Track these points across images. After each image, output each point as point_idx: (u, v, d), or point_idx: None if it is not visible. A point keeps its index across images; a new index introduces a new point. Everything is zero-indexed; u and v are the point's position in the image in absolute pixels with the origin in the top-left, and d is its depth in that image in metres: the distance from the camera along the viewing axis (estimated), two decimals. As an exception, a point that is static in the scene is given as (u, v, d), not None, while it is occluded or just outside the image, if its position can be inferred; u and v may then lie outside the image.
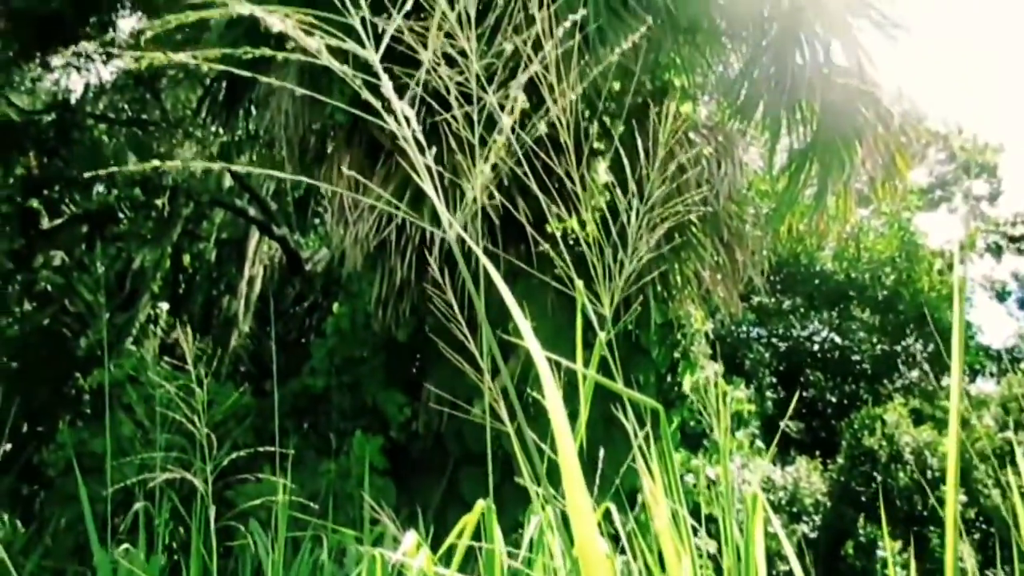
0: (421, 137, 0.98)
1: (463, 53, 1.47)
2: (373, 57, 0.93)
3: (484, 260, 0.97)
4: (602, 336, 1.89)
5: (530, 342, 1.00)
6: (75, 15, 7.60)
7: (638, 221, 2.01)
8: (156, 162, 0.95)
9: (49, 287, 9.67)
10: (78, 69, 10.16)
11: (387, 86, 0.87)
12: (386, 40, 1.00)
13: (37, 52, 8.48)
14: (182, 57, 1.26)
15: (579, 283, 1.83)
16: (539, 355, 1.06)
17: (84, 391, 8.33)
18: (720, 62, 6.63)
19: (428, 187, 1.11)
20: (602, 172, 6.27)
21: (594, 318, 1.76)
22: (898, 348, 14.15)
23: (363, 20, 1.01)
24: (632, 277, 1.91)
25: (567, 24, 1.41)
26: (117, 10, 8.71)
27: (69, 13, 7.47)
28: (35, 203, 9.21)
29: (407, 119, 0.99)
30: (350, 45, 0.93)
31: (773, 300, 13.73)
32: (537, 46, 1.71)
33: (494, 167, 1.64)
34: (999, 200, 15.06)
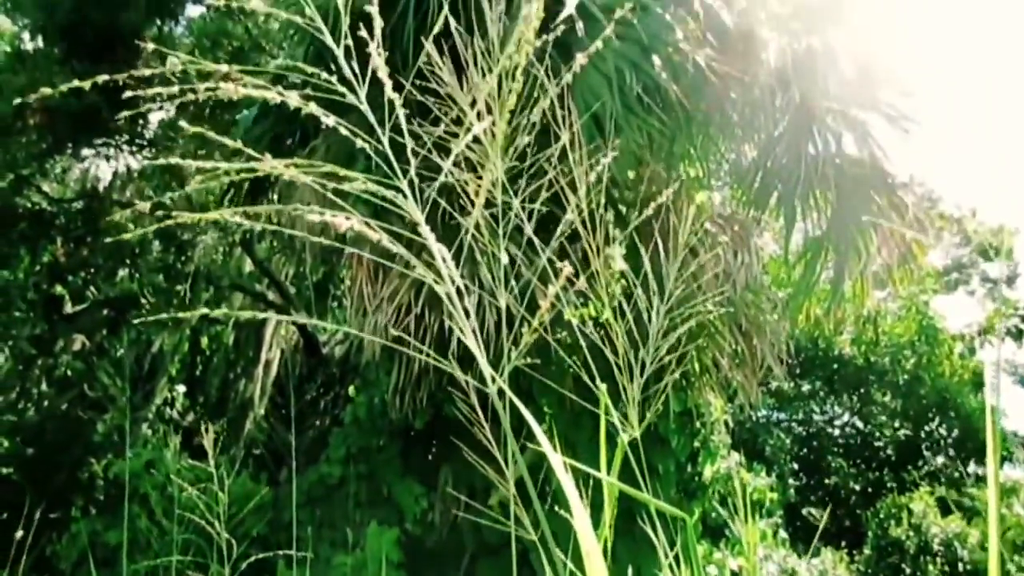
0: (455, 275, 1.01)
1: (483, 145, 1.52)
2: (414, 209, 0.97)
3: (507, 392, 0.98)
4: (624, 438, 1.88)
5: (547, 449, 1.01)
6: (109, 109, 7.89)
7: (659, 320, 2.02)
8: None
9: (69, 372, 9.74)
10: (108, 158, 10.48)
11: (428, 235, 0.90)
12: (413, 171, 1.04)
13: (70, 143, 8.77)
14: (206, 165, 1.31)
15: (603, 390, 1.84)
16: (557, 463, 1.06)
17: (99, 477, 8.29)
18: (733, 150, 6.77)
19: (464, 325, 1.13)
20: (618, 259, 6.31)
21: (615, 415, 1.76)
22: (922, 434, 13.87)
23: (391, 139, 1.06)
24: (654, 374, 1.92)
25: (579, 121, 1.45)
26: (148, 104, 9.03)
27: (103, 108, 7.76)
28: (59, 289, 9.37)
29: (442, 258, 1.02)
30: (390, 193, 0.97)
31: (792, 384, 13.57)
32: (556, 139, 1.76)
33: (513, 260, 1.67)
34: (1017, 283, 15.04)
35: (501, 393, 1.10)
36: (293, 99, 1.01)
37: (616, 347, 1.80)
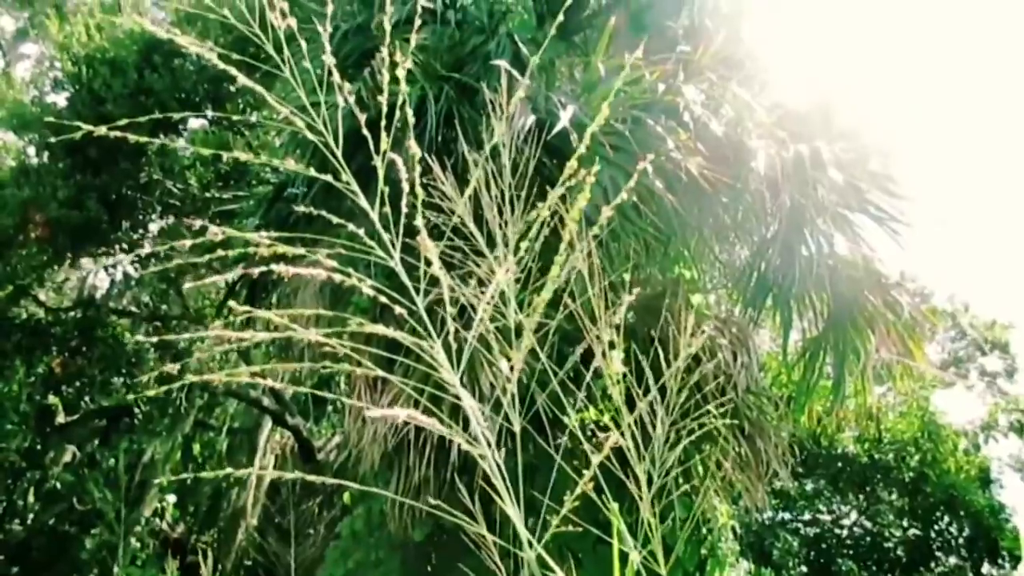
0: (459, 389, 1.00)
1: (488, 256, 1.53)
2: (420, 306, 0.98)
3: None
4: (635, 556, 1.83)
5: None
6: (109, 221, 8.02)
7: (664, 433, 2.00)
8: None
9: (58, 484, 9.53)
10: (106, 268, 10.56)
11: (452, 381, 0.91)
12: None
13: (69, 254, 8.86)
14: (214, 279, 1.31)
15: (614, 508, 1.80)
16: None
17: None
18: (727, 252, 6.86)
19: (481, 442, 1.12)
20: (616, 363, 6.30)
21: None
22: (931, 533, 13.53)
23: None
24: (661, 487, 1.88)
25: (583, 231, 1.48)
26: (149, 213, 9.19)
27: (103, 219, 7.87)
28: (53, 399, 9.27)
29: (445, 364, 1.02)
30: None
31: (796, 484, 13.32)
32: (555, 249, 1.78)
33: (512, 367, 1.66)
34: (1016, 376, 15.02)
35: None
36: (330, 266, 1.03)
37: (620, 454, 1.77)
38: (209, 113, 9.07)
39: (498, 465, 0.99)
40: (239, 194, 8.53)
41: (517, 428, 1.49)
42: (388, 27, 1.62)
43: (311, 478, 1.61)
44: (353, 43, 6.03)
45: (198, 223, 1.32)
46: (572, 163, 1.53)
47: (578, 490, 1.15)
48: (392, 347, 1.70)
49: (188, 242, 1.52)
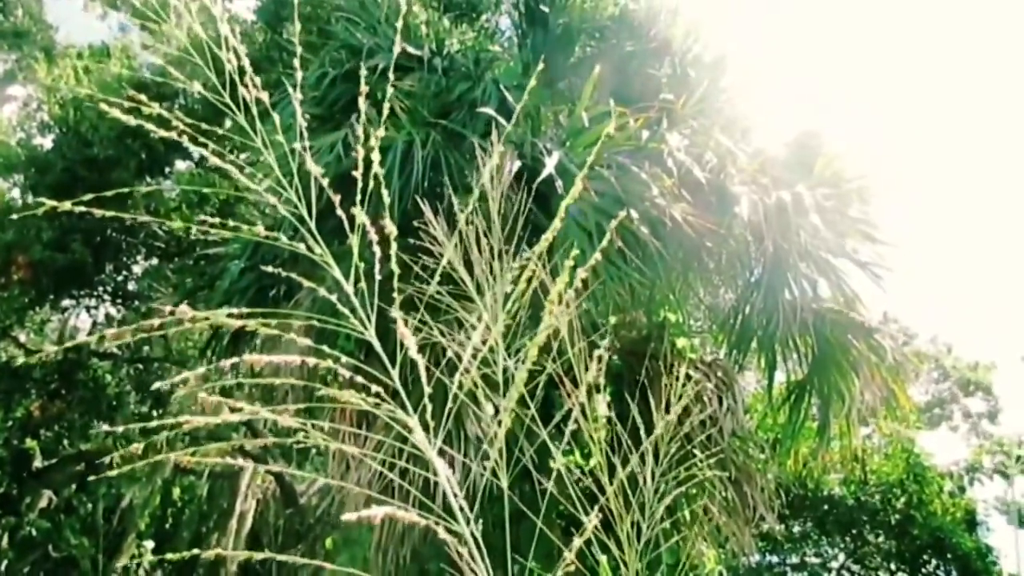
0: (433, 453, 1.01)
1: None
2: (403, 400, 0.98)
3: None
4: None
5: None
6: (93, 263, 7.98)
7: (653, 484, 2.00)
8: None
9: (34, 531, 9.32)
10: (88, 309, 10.48)
11: (429, 455, 0.91)
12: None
13: (51, 296, 8.80)
14: (199, 320, 1.30)
15: (604, 564, 1.79)
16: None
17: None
18: (711, 295, 6.92)
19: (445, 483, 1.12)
20: (602, 407, 6.29)
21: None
22: (920, 575, 13.45)
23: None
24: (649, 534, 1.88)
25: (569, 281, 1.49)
26: (133, 256, 9.15)
27: (87, 261, 7.83)
28: (30, 443, 9.12)
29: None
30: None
31: (783, 527, 13.24)
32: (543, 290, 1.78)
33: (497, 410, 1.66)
34: (999, 418, 15.12)
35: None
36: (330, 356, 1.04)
37: (607, 496, 1.76)
38: (195, 154, 9.11)
39: (475, 539, 0.99)
40: (224, 237, 8.52)
41: (505, 484, 1.49)
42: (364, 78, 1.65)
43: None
44: (341, 89, 6.09)
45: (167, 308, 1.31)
46: (556, 223, 1.55)
47: (573, 549, 1.15)
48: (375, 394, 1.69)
49: (153, 322, 1.47)
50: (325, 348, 1.49)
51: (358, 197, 1.41)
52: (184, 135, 1.56)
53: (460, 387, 1.24)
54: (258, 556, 1.31)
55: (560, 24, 6.66)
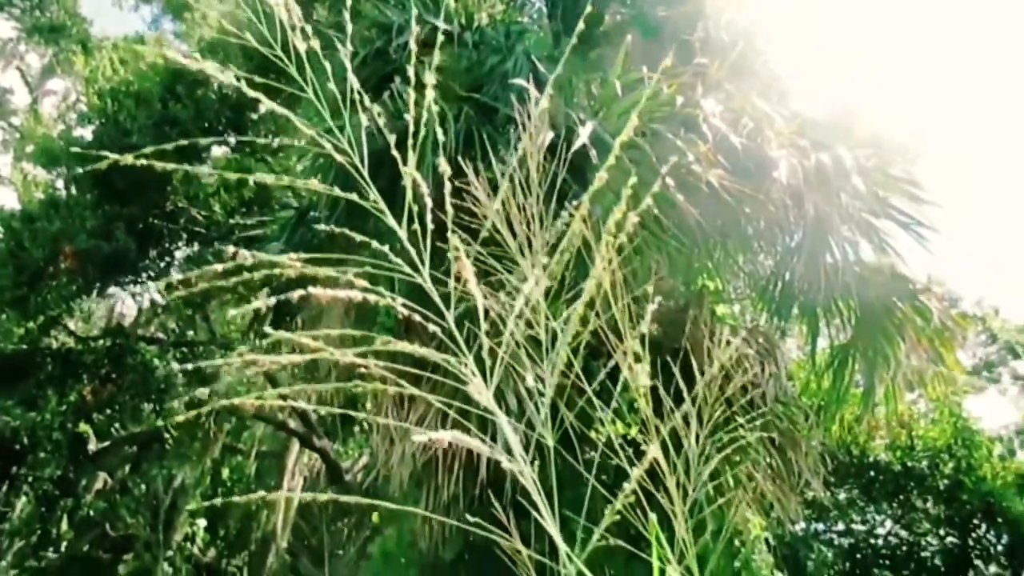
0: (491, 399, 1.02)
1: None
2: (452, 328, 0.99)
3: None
4: (673, 574, 1.82)
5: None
6: (137, 249, 8.14)
7: (699, 447, 2.00)
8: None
9: (91, 512, 9.62)
10: (134, 296, 10.71)
11: (486, 398, 0.92)
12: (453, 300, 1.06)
13: (98, 284, 9.00)
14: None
15: (652, 518, 1.80)
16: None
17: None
18: (751, 263, 6.83)
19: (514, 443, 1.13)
20: (643, 377, 6.28)
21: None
22: (969, 541, 13.27)
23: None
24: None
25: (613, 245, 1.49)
26: (175, 241, 9.31)
27: (131, 249, 7.99)
28: (84, 427, 9.39)
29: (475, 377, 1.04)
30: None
31: (829, 494, 13.13)
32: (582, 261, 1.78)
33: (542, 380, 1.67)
34: (1049, 379, 14.78)
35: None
36: (363, 287, 1.05)
37: (651, 469, 1.77)
38: (232, 139, 9.21)
39: (533, 480, 1.00)
40: (263, 219, 8.63)
41: (551, 442, 1.50)
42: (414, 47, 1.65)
43: (342, 498, 1.62)
44: (371, 68, 6.10)
45: (230, 249, 1.34)
46: (602, 174, 1.55)
47: (617, 504, 1.15)
48: (418, 364, 1.71)
49: (216, 267, 1.53)
50: (366, 330, 1.50)
51: (400, 165, 1.42)
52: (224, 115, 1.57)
53: (505, 347, 1.24)
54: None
55: (590, -8, 6.57)
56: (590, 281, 1.27)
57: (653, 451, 1.33)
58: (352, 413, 9.33)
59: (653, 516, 1.78)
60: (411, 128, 1.35)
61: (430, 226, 1.36)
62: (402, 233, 1.51)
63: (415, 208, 1.49)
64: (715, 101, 5.41)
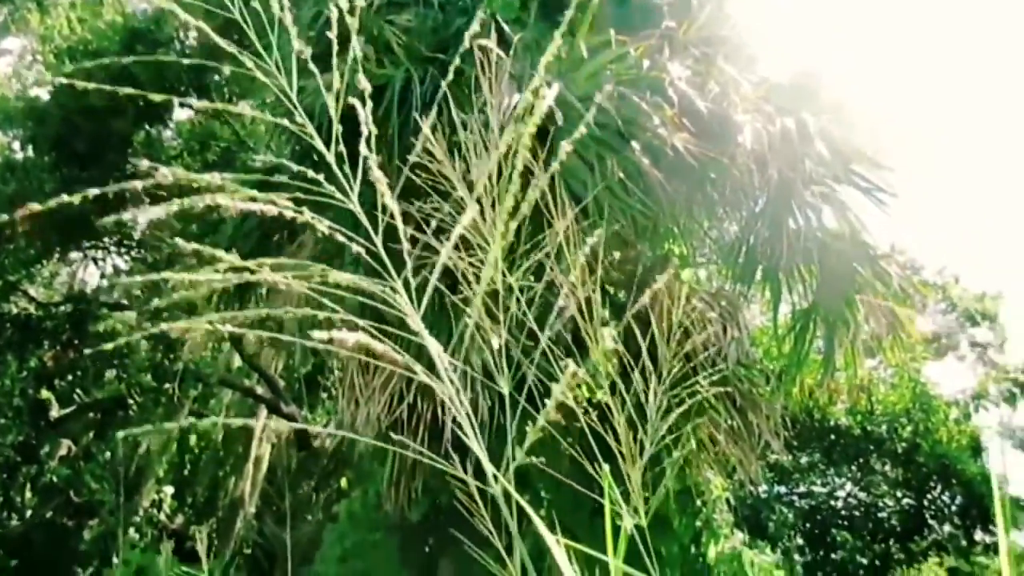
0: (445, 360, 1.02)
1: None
2: (402, 297, 0.99)
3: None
4: (628, 523, 1.85)
5: (547, 537, 1.00)
6: (97, 214, 7.97)
7: (656, 402, 2.02)
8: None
9: (55, 479, 9.53)
10: (95, 261, 10.53)
11: (426, 337, 0.92)
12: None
13: (58, 248, 8.83)
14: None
15: (606, 472, 1.82)
16: (559, 554, 1.05)
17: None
18: (716, 228, 6.88)
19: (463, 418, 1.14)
20: (608, 340, 6.33)
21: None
22: (925, 502, 13.68)
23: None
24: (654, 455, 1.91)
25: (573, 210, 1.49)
26: (138, 205, 9.14)
27: (91, 212, 7.83)
28: (46, 394, 9.27)
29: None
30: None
31: (791, 457, 13.42)
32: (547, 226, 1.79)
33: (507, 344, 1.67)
34: (1005, 346, 15.14)
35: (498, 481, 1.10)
36: (283, 205, 1.04)
37: (614, 428, 1.79)
38: (194, 102, 9.01)
39: (464, 405, 1.01)
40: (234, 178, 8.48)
41: (505, 390, 1.51)
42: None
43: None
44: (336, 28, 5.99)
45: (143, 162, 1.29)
46: (565, 144, 1.54)
47: (541, 420, 1.16)
48: (381, 323, 1.70)
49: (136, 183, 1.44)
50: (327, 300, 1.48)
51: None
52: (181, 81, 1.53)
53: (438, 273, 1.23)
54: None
55: (557, -47, 6.50)
56: (529, 194, 1.27)
57: (611, 334, 1.35)
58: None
59: (607, 466, 1.80)
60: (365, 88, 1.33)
61: (366, 152, 1.33)
62: (330, 157, 1.47)
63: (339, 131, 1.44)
64: (682, 65, 5.40)
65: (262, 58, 1.65)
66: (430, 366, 1.52)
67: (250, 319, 1.67)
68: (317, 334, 0.95)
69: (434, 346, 1.00)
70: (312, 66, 1.44)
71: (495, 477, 1.01)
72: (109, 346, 5.43)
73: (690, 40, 5.59)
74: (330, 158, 1.16)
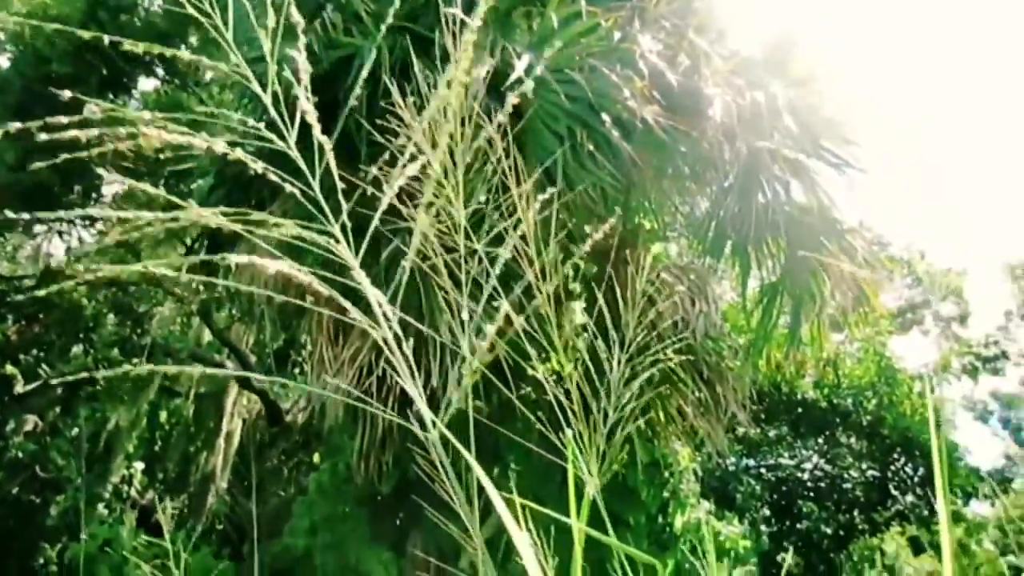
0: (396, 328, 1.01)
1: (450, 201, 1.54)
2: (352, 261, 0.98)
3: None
4: (591, 489, 1.87)
5: (498, 505, 1.01)
6: (60, 184, 7.82)
7: (620, 370, 2.03)
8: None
9: (20, 454, 9.41)
10: (60, 234, 10.34)
11: (363, 280, 0.92)
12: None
13: (21, 220, 8.64)
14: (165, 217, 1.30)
15: (569, 436, 1.83)
16: (511, 524, 1.06)
17: (52, 563, 7.94)
18: (686, 203, 6.91)
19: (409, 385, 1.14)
20: (578, 312, 6.37)
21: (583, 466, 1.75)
22: (888, 473, 13.98)
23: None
24: (616, 423, 1.92)
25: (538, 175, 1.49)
26: (102, 177, 8.98)
27: (54, 183, 7.68)
28: (10, 368, 9.12)
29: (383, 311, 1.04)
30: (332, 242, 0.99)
31: (758, 430, 13.63)
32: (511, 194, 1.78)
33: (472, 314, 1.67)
34: (968, 321, 15.45)
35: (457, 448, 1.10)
36: (219, 145, 1.02)
37: (583, 397, 1.80)
38: (159, 71, 8.85)
39: (403, 353, 1.00)
40: (193, 153, 8.36)
41: (474, 363, 1.50)
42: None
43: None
44: (304, -5, 5.89)
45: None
46: (513, 98, 1.52)
47: (475, 362, 1.16)
48: (350, 299, 1.69)
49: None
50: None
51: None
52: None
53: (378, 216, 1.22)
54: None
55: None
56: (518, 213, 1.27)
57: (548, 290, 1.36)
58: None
59: (570, 432, 1.81)
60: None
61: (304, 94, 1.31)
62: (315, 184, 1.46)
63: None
64: (653, 38, 5.39)
65: (225, 26, 1.61)
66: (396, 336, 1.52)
67: (213, 276, 1.65)
68: (234, 257, 0.94)
69: (372, 292, 1.00)
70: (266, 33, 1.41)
71: (433, 423, 1.01)
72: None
73: (661, 13, 5.57)
74: (274, 114, 1.14)
